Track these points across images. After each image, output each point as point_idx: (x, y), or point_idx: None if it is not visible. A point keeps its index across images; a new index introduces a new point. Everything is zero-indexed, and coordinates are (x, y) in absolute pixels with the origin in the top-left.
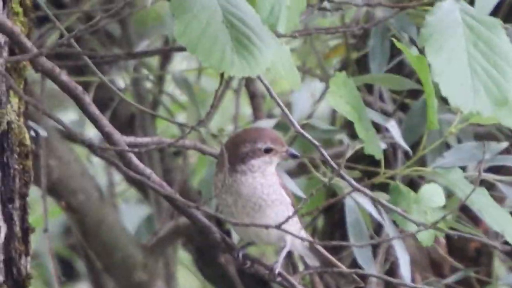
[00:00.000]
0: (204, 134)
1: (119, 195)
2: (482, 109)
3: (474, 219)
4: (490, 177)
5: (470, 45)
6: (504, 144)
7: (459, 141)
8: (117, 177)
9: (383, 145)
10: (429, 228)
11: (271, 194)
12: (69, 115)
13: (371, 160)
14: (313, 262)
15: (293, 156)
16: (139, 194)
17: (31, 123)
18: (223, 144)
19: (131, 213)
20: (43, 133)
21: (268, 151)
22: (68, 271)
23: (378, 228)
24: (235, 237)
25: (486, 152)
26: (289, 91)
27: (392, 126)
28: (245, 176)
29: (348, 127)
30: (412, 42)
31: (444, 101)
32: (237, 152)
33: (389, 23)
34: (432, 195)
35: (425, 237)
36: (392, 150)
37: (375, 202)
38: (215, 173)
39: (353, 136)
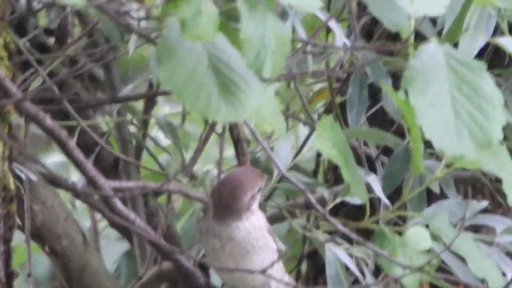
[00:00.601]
0: (185, 183)
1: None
2: (466, 152)
3: (452, 282)
4: (470, 236)
5: (454, 88)
6: (485, 203)
7: (441, 188)
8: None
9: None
10: (415, 272)
11: (259, 240)
12: (53, 158)
13: (351, 213)
14: None
15: None
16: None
17: (20, 167)
18: (212, 190)
19: (111, 250)
20: (33, 177)
21: (259, 190)
22: None
23: (356, 283)
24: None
25: (467, 209)
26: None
27: (373, 180)
28: (242, 222)
29: (332, 173)
30: (394, 86)
31: (426, 146)
32: (241, 202)
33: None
34: (419, 238)
35: (410, 282)
36: (374, 199)
37: (354, 251)
38: (202, 218)
39: (337, 183)
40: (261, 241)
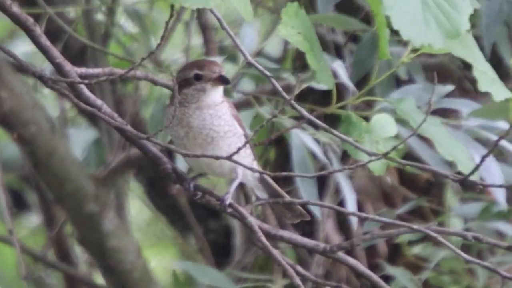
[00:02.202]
0: (151, 69)
1: (69, 121)
2: (433, 42)
3: (417, 160)
4: (437, 119)
5: None
6: (451, 87)
7: (409, 74)
8: (68, 105)
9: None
10: (381, 158)
11: (222, 125)
12: (23, 47)
13: (318, 99)
14: (263, 194)
15: (224, 81)
16: (88, 121)
17: None
18: (174, 76)
19: (80, 138)
20: None
21: (197, 78)
22: (19, 203)
23: (324, 169)
24: (184, 169)
25: (433, 93)
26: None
27: (339, 66)
28: (203, 110)
29: (299, 60)
30: None
31: (394, 33)
32: (175, 84)
33: None
34: (384, 124)
35: (377, 167)
36: (339, 88)
37: (320, 137)
38: (168, 105)
39: (304, 69)
40: (225, 127)
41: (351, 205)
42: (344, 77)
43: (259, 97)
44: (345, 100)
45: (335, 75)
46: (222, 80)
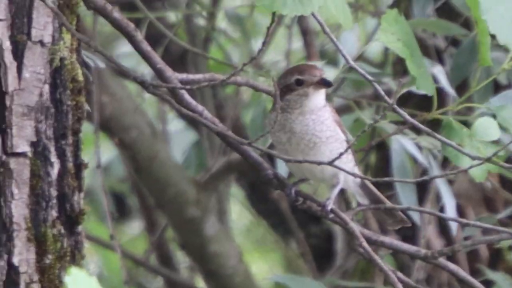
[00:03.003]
0: (251, 73)
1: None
2: None
3: None
4: None
5: None
6: None
7: (509, 80)
8: (168, 109)
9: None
10: (484, 162)
11: (324, 131)
12: (123, 50)
13: (419, 104)
14: (364, 200)
15: (326, 83)
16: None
17: (87, 56)
18: (275, 81)
19: (180, 140)
20: (101, 64)
21: (299, 83)
22: (121, 208)
23: (424, 174)
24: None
25: None
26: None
27: (439, 71)
28: (306, 115)
29: (400, 64)
30: None
31: (494, 37)
32: (277, 89)
33: None
34: (487, 128)
35: (478, 173)
36: (442, 91)
37: (421, 141)
38: (270, 110)
39: (406, 73)
40: (327, 132)
41: (450, 211)
42: (444, 82)
43: (360, 101)
44: (445, 105)
45: (435, 80)
46: (324, 83)
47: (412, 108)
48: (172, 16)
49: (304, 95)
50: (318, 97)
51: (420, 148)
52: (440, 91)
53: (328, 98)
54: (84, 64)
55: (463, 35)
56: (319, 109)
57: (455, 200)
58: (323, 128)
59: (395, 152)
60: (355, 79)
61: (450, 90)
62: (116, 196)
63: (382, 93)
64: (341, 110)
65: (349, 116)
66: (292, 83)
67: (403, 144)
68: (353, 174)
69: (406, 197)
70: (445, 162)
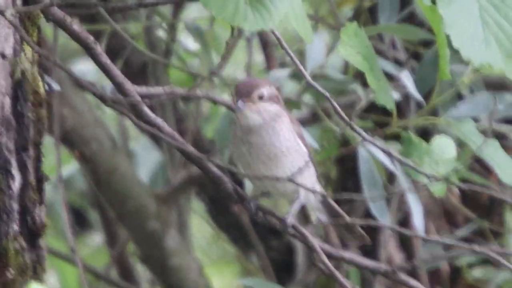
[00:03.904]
0: (217, 83)
1: (133, 140)
2: (493, 62)
3: (487, 168)
4: (503, 127)
5: None
6: None
7: (472, 92)
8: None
9: (396, 96)
10: (440, 181)
11: (282, 142)
12: (87, 65)
13: (384, 111)
14: (323, 215)
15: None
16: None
17: (45, 76)
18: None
19: (145, 159)
20: (56, 86)
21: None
22: (81, 221)
23: (391, 178)
24: (249, 187)
25: (499, 103)
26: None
27: (405, 76)
28: (265, 128)
29: (361, 77)
30: None
31: (456, 51)
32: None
33: None
34: (444, 147)
35: (437, 189)
36: (404, 100)
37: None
38: (232, 123)
39: (366, 86)
40: (287, 143)
41: (418, 221)
42: (412, 88)
43: (328, 109)
44: (409, 113)
45: (402, 86)
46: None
47: (380, 111)
48: (133, 28)
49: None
50: (249, 114)
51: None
52: (401, 104)
53: (296, 105)
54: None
55: (427, 44)
56: (261, 125)
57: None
58: (280, 139)
59: (363, 159)
60: (317, 92)
61: (417, 96)
62: (76, 210)
63: (339, 109)
64: (308, 119)
65: (316, 125)
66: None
67: (370, 151)
68: (313, 191)
69: (376, 207)
70: None
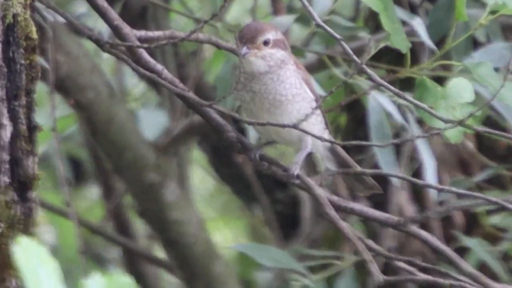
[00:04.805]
0: (220, 28)
1: (138, 98)
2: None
3: (500, 121)
4: None
5: None
6: None
7: (488, 38)
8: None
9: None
10: (457, 125)
11: (288, 89)
12: (80, 9)
13: (395, 60)
14: (332, 165)
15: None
16: (158, 98)
17: (43, 12)
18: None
19: (150, 119)
20: (59, 19)
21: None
22: (78, 174)
23: (401, 132)
24: (254, 137)
25: None
26: None
27: (418, 24)
28: (270, 74)
29: (372, 20)
30: None
31: None
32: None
33: None
34: (461, 89)
35: (453, 135)
36: (417, 48)
37: (399, 99)
38: (235, 68)
39: (378, 30)
40: (293, 90)
41: (430, 173)
42: (424, 35)
43: (334, 57)
44: (422, 61)
45: (414, 33)
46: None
47: (389, 63)
48: None
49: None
50: (252, 60)
51: (397, 105)
52: (416, 48)
53: (300, 53)
54: (42, 19)
55: None
56: (266, 71)
57: (434, 161)
58: (286, 86)
59: (373, 110)
60: (327, 35)
61: (430, 44)
62: (74, 162)
63: (350, 52)
64: (314, 67)
65: (323, 73)
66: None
67: (380, 102)
68: (320, 138)
69: (383, 158)
70: (423, 120)
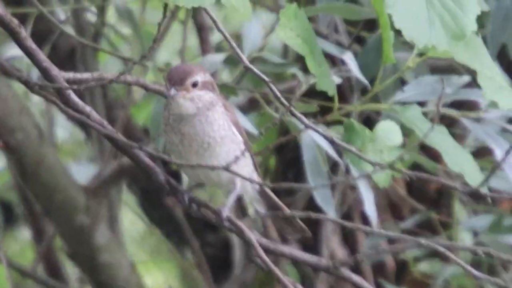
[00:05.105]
0: (151, 68)
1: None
2: (438, 43)
3: (434, 157)
4: (452, 112)
5: None
6: (466, 78)
7: (416, 77)
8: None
9: (338, 80)
10: (385, 168)
11: (216, 131)
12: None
13: (326, 96)
14: (262, 207)
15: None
16: (90, 151)
17: None
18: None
19: (82, 172)
20: None
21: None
22: (8, 216)
23: (334, 168)
24: (185, 179)
25: (447, 86)
26: (240, 23)
27: (349, 58)
28: (198, 116)
29: (301, 60)
30: None
31: (399, 34)
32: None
33: None
34: (389, 132)
35: (382, 178)
36: (346, 86)
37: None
38: (164, 109)
39: (307, 70)
40: (221, 132)
41: (369, 208)
42: (355, 70)
43: (267, 94)
44: (351, 100)
45: (345, 70)
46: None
47: (323, 96)
48: (61, 13)
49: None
50: (180, 102)
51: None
52: (344, 88)
53: (232, 91)
54: None
55: (370, 28)
56: (194, 114)
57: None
58: (214, 128)
59: (307, 147)
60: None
61: (361, 78)
62: (4, 204)
63: (279, 95)
64: (247, 105)
65: (255, 111)
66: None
67: (314, 139)
68: (250, 180)
69: (320, 195)
70: None
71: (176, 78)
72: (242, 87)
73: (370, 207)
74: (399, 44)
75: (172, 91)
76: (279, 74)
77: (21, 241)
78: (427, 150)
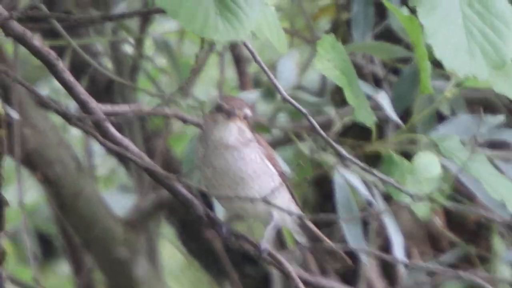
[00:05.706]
0: (184, 106)
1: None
2: (478, 73)
3: (468, 196)
4: (486, 152)
5: (464, 4)
6: (501, 117)
7: (452, 110)
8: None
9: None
10: (424, 200)
11: (249, 165)
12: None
13: (360, 133)
14: (302, 238)
15: (227, 111)
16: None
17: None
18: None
19: (118, 201)
20: (15, 115)
21: (219, 109)
22: (48, 249)
23: (368, 208)
24: (220, 211)
25: (482, 125)
26: (276, 57)
27: (382, 97)
28: (231, 151)
29: (339, 94)
30: (402, 3)
31: (435, 66)
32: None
33: None
34: (428, 164)
35: (421, 210)
36: (382, 122)
37: (365, 174)
38: (199, 142)
39: (344, 104)
40: (254, 165)
41: (397, 248)
42: (389, 109)
43: (300, 133)
44: (387, 135)
45: (378, 107)
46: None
47: (356, 136)
48: (98, 45)
49: (215, 121)
50: (228, 128)
51: (364, 181)
52: (384, 120)
53: (266, 130)
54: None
55: (405, 60)
56: (229, 146)
57: (401, 237)
58: (247, 161)
59: (339, 186)
60: (292, 110)
61: (395, 117)
62: (43, 237)
63: (317, 126)
64: (280, 142)
65: (288, 149)
66: (213, 109)
67: (346, 178)
68: (288, 211)
69: (351, 233)
70: (389, 196)
71: (233, 104)
72: (275, 124)
73: (398, 247)
74: (435, 74)
75: (232, 110)
76: (314, 111)
77: (60, 274)
78: (459, 191)
